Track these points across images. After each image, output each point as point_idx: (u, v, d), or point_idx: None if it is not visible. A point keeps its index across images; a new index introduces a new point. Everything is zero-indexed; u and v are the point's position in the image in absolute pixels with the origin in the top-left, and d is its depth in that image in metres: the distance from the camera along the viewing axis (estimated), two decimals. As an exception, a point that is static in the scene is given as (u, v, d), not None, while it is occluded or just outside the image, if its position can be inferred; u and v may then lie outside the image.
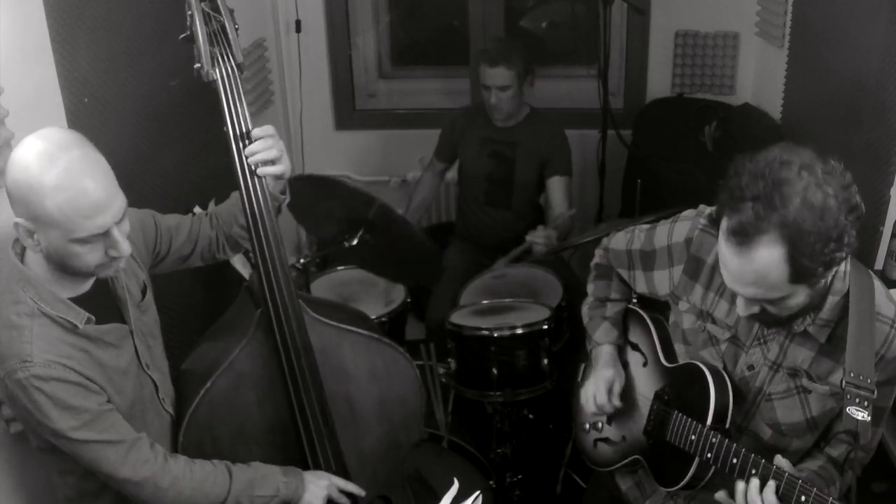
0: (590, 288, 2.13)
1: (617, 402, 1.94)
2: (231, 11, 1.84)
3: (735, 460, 1.59)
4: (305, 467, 1.95)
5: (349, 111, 4.14)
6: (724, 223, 1.47)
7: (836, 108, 2.48)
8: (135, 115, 2.44)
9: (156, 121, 2.55)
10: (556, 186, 3.31)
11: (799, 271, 1.42)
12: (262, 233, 1.84)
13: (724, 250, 1.49)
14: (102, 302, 1.73)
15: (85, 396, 1.61)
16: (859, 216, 1.45)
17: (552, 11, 4.19)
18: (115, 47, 2.32)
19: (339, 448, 1.98)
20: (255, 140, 1.80)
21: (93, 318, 1.67)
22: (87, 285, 1.71)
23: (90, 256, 1.58)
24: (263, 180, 1.84)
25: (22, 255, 1.65)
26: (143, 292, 1.87)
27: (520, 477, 2.94)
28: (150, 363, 1.86)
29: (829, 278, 1.55)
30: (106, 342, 1.71)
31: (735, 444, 1.62)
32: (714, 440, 1.64)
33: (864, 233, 2.23)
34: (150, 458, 1.72)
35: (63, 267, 1.61)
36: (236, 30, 1.82)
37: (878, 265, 2.29)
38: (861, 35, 2.39)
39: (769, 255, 1.41)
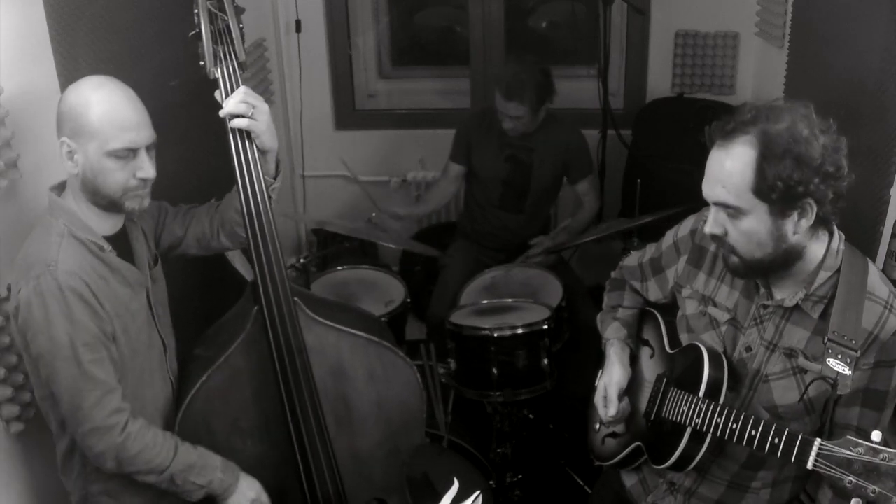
0: (604, 300, 2.21)
1: (613, 410, 1.97)
2: (241, 11, 1.88)
3: (719, 419, 1.65)
4: (297, 465, 1.97)
5: (349, 111, 4.14)
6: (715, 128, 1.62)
7: (836, 108, 2.46)
8: (135, 115, 2.44)
9: (156, 121, 2.54)
10: (586, 188, 3.41)
11: (760, 181, 1.53)
12: (258, 230, 1.87)
13: (710, 155, 1.62)
14: (124, 250, 1.86)
15: (91, 316, 1.72)
16: (839, 177, 1.54)
17: (552, 11, 4.19)
18: (115, 47, 2.32)
19: (330, 449, 1.98)
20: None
21: (114, 251, 1.82)
22: (112, 228, 1.85)
23: (119, 175, 1.74)
24: (262, 176, 1.87)
25: (58, 196, 1.81)
26: (156, 261, 1.99)
27: (520, 477, 2.95)
28: (162, 323, 1.94)
29: (796, 233, 1.57)
30: (124, 277, 1.83)
31: (720, 406, 1.66)
32: (702, 406, 1.69)
33: (864, 233, 2.24)
34: (125, 409, 1.77)
35: (95, 190, 1.76)
36: (241, 29, 1.86)
37: (879, 265, 2.29)
38: (861, 35, 2.39)
39: (740, 153, 1.54)
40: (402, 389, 2.03)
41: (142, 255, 1.92)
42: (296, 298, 1.91)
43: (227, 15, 1.85)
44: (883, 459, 1.39)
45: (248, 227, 1.87)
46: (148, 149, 1.78)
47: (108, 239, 1.82)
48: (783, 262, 1.62)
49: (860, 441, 1.42)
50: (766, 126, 1.53)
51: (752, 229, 1.58)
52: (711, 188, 1.61)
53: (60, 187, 1.83)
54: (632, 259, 2.13)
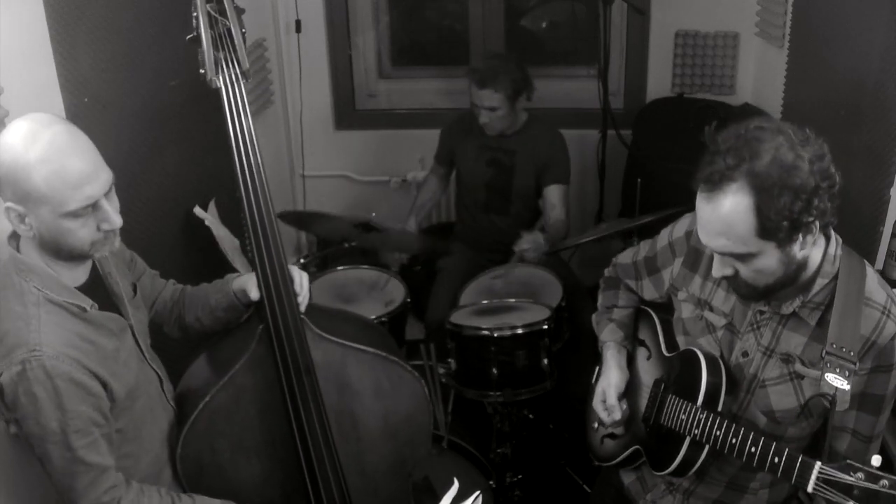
0: (599, 299, 2.20)
1: (617, 415, 1.97)
2: (241, 12, 1.81)
3: (718, 432, 1.64)
4: (304, 483, 1.94)
5: (349, 111, 4.14)
6: (699, 176, 1.57)
7: (836, 108, 2.47)
8: (135, 115, 2.44)
9: (156, 121, 2.55)
10: (553, 194, 3.31)
11: (764, 224, 1.48)
12: (263, 245, 1.82)
13: (698, 202, 1.57)
14: (100, 294, 1.71)
15: (83, 398, 1.58)
16: (833, 185, 1.50)
17: (552, 11, 4.19)
18: (115, 47, 2.32)
19: (338, 465, 1.96)
20: (297, 282, 1.88)
21: (95, 304, 1.66)
22: (84, 275, 1.69)
23: (83, 232, 1.57)
24: (266, 186, 1.82)
25: (17, 249, 1.64)
26: (134, 290, 1.87)
27: (520, 477, 2.94)
28: (150, 355, 1.86)
29: (802, 249, 1.56)
30: (109, 330, 1.69)
31: (719, 418, 1.66)
32: (701, 416, 1.69)
33: (864, 233, 2.24)
34: (119, 483, 1.66)
35: (58, 249, 1.59)
36: (243, 34, 1.78)
37: (879, 265, 2.29)
38: (861, 35, 2.39)
39: (735, 203, 1.49)
40: (409, 403, 2.00)
41: (119, 292, 1.78)
42: (303, 316, 1.87)
43: (227, 19, 1.76)
44: (883, 486, 1.38)
45: (256, 248, 1.81)
46: (108, 195, 1.59)
47: (83, 288, 1.66)
48: (794, 278, 1.61)
49: (860, 466, 1.41)
50: (751, 166, 1.47)
51: (764, 266, 1.55)
52: (713, 240, 1.57)
53: (16, 238, 1.63)
54: (625, 256, 2.11)
